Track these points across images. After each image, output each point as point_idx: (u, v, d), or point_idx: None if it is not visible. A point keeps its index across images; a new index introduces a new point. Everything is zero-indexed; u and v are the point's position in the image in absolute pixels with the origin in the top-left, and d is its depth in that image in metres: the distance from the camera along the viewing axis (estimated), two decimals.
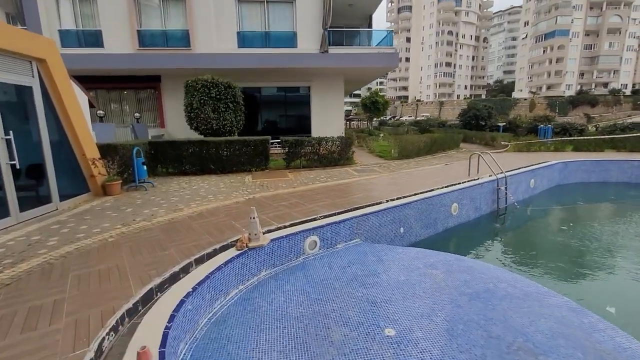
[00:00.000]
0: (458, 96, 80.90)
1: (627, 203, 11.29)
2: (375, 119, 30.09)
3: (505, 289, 4.40)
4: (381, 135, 25.71)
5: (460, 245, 7.78)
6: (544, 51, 67.89)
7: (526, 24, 74.04)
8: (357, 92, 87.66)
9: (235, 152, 10.91)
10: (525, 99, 64.25)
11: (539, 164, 12.38)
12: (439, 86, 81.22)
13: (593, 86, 66.41)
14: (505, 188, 9.63)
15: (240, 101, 12.59)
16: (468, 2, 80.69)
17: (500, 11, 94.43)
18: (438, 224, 7.92)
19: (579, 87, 66.40)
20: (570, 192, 12.49)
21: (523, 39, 75.01)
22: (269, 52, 13.72)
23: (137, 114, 15.00)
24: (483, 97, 76.78)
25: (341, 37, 14.77)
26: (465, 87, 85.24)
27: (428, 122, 31.86)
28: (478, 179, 9.56)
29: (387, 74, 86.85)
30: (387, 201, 7.05)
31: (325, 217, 6.01)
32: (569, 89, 65.62)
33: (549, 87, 68.06)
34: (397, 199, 7.36)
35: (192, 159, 10.69)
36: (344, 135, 14.21)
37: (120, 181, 8.23)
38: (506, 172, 9.96)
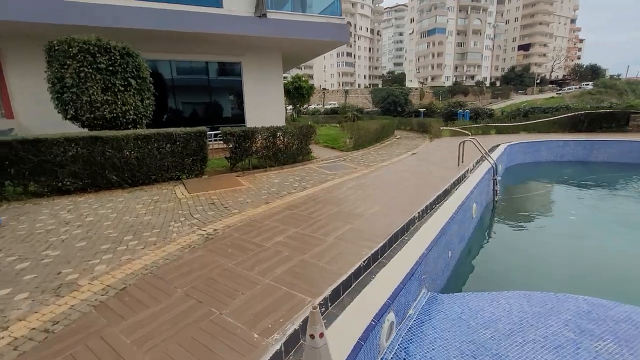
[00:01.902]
0: (359, 85, 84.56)
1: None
2: (299, 106, 27.54)
3: None
4: (309, 123, 23.45)
5: (487, 257, 6.11)
6: (427, 46, 75.82)
7: (412, 20, 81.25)
8: None
9: (153, 153, 7.04)
10: (416, 89, 70.62)
11: (496, 148, 11.98)
12: (342, 75, 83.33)
13: (464, 78, 77.59)
14: (497, 175, 8.50)
15: (147, 77, 8.46)
16: None
17: (389, 8, 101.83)
18: (465, 234, 6.10)
19: (454, 79, 76.60)
20: (520, 172, 12.59)
21: (410, 34, 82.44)
22: (180, 9, 9.68)
23: None
24: (380, 86, 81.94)
25: (277, 1, 11.62)
26: (365, 77, 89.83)
27: (348, 110, 31.00)
28: (473, 168, 8.16)
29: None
30: (422, 215, 4.80)
31: (390, 268, 3.41)
32: (447, 80, 75.10)
33: (432, 78, 76.69)
34: (434, 209, 5.19)
35: (76, 167, 6.42)
36: (284, 124, 11.35)
37: None
38: (492, 159, 8.82)
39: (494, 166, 8.20)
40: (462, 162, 8.80)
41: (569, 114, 16.65)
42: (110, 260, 3.62)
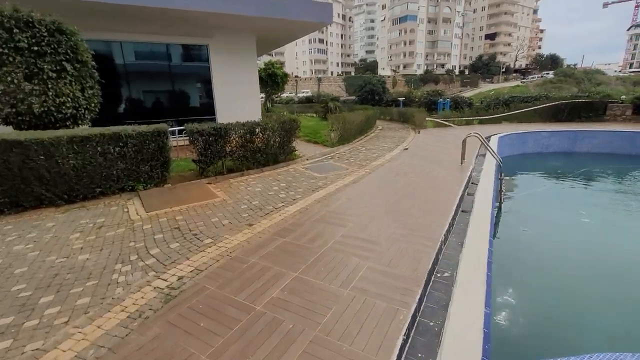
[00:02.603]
0: (332, 73, 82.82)
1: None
2: (273, 95, 25.74)
3: None
4: (284, 113, 21.87)
5: (505, 271, 5.24)
6: (399, 33, 75.28)
7: (383, 7, 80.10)
8: None
9: (96, 160, 5.45)
10: (388, 77, 70.22)
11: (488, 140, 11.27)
12: (314, 62, 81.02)
13: (435, 67, 78.21)
14: (502, 171, 7.69)
15: (88, 61, 6.69)
16: None
17: None
18: None
19: (425, 67, 76.97)
20: (510, 165, 12.04)
21: (382, 20, 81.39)
22: None
23: None
24: (352, 74, 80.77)
25: None
26: (337, 65, 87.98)
27: (326, 98, 29.62)
28: (480, 167, 7.27)
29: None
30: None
31: None
32: (419, 69, 75.31)
33: (405, 66, 76.60)
34: (462, 227, 4.14)
35: None
36: (260, 118, 9.92)
37: None
38: (497, 156, 8.00)
39: (500, 164, 7.36)
40: (464, 159, 7.90)
41: (551, 104, 16.42)
42: None
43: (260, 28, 10.62)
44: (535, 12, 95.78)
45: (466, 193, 5.64)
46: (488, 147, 7.60)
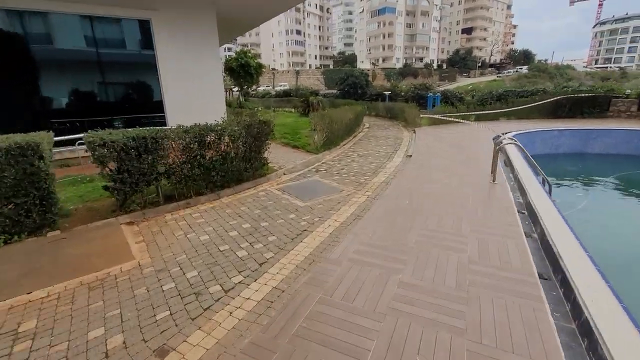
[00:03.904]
0: (310, 66, 79.79)
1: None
2: (247, 88, 22.96)
3: None
4: (258, 109, 19.27)
5: None
6: (378, 26, 73.32)
7: None
8: None
9: None
10: (368, 70, 68.46)
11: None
12: (292, 54, 77.56)
13: (414, 60, 77.09)
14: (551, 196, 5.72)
15: None
16: None
17: None
18: None
19: (404, 61, 75.69)
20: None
21: (360, 12, 79.01)
22: None
23: None
24: (331, 67, 78.25)
25: None
26: (316, 57, 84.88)
27: (305, 92, 27.13)
28: (524, 187, 5.25)
29: (236, 38, 76.77)
30: None
31: None
32: (398, 62, 73.89)
33: (384, 60, 74.87)
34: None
35: None
36: (224, 118, 7.50)
37: None
38: (542, 172, 6.03)
39: (547, 182, 5.39)
40: (495, 171, 5.89)
41: (553, 99, 14.88)
42: None
43: (223, 2, 8.09)
44: (509, 7, 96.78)
45: (539, 242, 3.58)
46: (530, 162, 5.60)
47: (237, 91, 22.95)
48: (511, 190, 5.26)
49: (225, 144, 5.08)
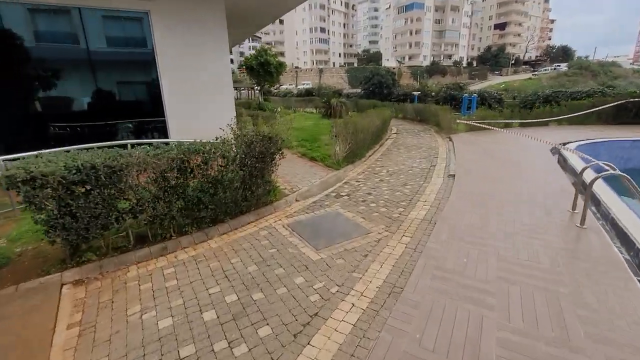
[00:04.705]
0: (334, 64, 78.00)
1: None
2: (268, 87, 21.86)
3: None
4: (278, 110, 18.08)
5: None
6: (405, 22, 70.35)
7: None
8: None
9: None
10: (394, 68, 66.08)
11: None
12: (316, 53, 76.07)
13: (442, 58, 73.47)
14: None
15: None
16: None
17: None
18: None
19: (432, 58, 72.32)
20: None
21: (387, 9, 76.18)
22: None
23: None
24: (355, 65, 76.15)
25: None
26: (340, 55, 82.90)
27: (327, 92, 25.73)
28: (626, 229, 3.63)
29: (259, 36, 76.41)
30: None
31: None
32: (425, 60, 70.64)
33: (410, 57, 71.80)
34: None
35: None
36: (234, 123, 6.28)
37: None
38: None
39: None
40: (575, 205, 4.28)
41: (618, 102, 12.64)
42: None
43: None
44: (546, 0, 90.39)
45: None
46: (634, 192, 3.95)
47: (258, 90, 21.89)
48: (611, 239, 3.66)
49: (217, 168, 3.81)
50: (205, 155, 3.58)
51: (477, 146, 9.42)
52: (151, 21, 6.65)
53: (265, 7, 8.76)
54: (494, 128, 11.44)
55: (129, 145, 5.18)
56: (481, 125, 11.81)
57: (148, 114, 7.14)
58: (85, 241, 3.12)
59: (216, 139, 4.04)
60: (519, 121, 13.39)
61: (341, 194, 5.54)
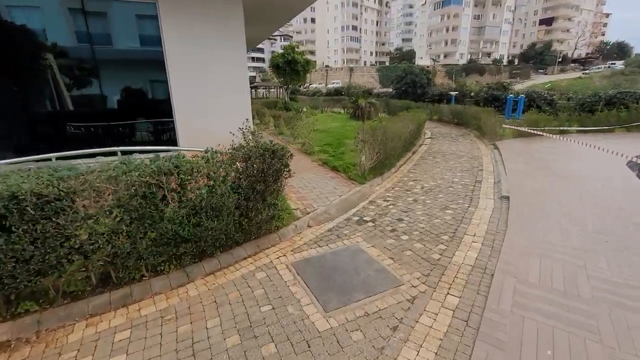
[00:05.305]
0: (365, 63, 76.00)
1: None
2: (298, 85, 21.05)
3: None
4: (304, 110, 17.19)
5: None
6: (441, 19, 66.87)
7: None
8: (257, 51, 74.74)
9: None
10: (428, 67, 63.31)
11: None
12: (347, 51, 74.44)
13: (480, 56, 69.15)
14: None
15: None
16: None
17: None
18: None
19: (469, 56, 68.29)
20: None
21: (422, 5, 72.87)
22: None
23: None
24: (387, 64, 73.74)
25: None
26: (371, 54, 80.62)
27: (356, 92, 24.47)
28: None
29: (291, 35, 76.17)
30: None
31: None
32: (462, 58, 66.80)
33: (446, 55, 68.23)
34: None
35: None
36: (250, 124, 5.42)
37: None
38: None
39: None
40: None
41: None
42: None
43: None
44: None
45: None
46: None
47: (285, 89, 21.15)
48: None
49: (199, 193, 2.90)
50: (182, 176, 2.68)
51: (530, 157, 7.89)
52: (159, 7, 5.92)
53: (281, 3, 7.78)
54: (548, 134, 9.72)
55: (119, 153, 4.44)
56: (534, 131, 10.11)
57: (154, 115, 6.46)
58: (14, 290, 2.32)
59: (231, 147, 3.19)
60: (578, 128, 11.49)
61: (365, 218, 4.47)
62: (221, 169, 2.97)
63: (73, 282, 2.67)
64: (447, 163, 7.67)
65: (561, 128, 11.01)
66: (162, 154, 3.26)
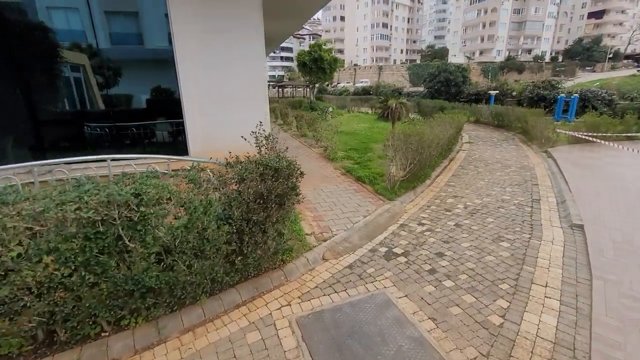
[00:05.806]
0: (394, 61, 73.48)
1: None
2: (325, 84, 20.24)
3: None
4: (329, 110, 16.29)
5: None
6: (477, 14, 63.06)
7: None
8: (286, 51, 74.65)
9: None
10: (462, 65, 60.07)
11: None
12: (376, 49, 72.29)
13: (519, 52, 64.55)
14: None
15: None
16: None
17: None
18: None
19: (507, 53, 63.97)
20: None
21: (457, 0, 69.21)
22: None
23: None
24: (418, 62, 70.90)
25: None
26: (402, 52, 77.75)
27: (385, 91, 23.15)
28: None
29: (320, 34, 75.40)
30: None
31: None
32: (499, 55, 62.67)
33: (481, 53, 64.33)
34: None
35: None
36: (267, 126, 4.66)
37: None
38: None
39: None
40: None
41: None
42: None
43: None
44: None
45: None
46: None
47: (310, 88, 20.37)
48: None
49: (172, 223, 2.13)
50: (143, 209, 1.91)
51: (597, 170, 6.50)
52: (169, 6, 5.30)
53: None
54: (606, 142, 8.13)
55: (109, 161, 3.83)
56: (593, 138, 8.55)
57: (163, 115, 5.88)
58: None
59: (247, 157, 2.45)
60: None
61: (395, 250, 3.53)
62: (201, 196, 2.19)
63: (3, 343, 1.99)
64: (492, 175, 6.49)
65: (628, 134, 9.30)
66: (139, 169, 2.54)
